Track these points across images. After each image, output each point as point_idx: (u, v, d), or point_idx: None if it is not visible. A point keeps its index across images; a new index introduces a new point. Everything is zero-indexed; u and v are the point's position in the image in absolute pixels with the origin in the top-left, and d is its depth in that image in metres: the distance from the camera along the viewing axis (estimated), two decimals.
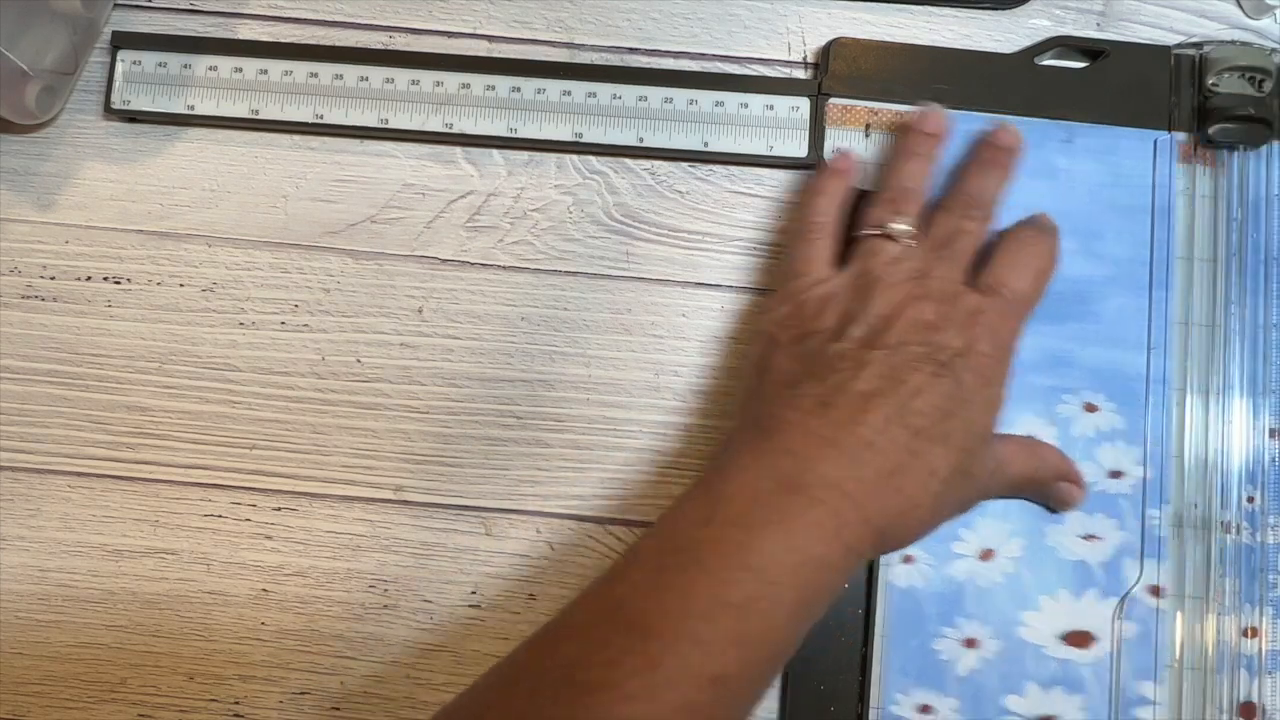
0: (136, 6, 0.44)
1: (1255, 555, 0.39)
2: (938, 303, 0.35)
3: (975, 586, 0.38)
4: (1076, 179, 0.41)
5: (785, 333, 0.36)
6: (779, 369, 0.35)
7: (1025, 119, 0.41)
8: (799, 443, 0.32)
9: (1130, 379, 0.39)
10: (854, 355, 0.34)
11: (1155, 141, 0.40)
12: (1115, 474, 0.39)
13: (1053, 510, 0.39)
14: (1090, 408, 0.39)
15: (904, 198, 0.38)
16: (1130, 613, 0.38)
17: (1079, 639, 0.38)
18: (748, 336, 0.41)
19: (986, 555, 0.38)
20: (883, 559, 0.38)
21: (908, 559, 0.39)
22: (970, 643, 0.38)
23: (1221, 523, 0.39)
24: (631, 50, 0.43)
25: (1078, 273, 0.40)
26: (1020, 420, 0.39)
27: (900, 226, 0.37)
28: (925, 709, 0.37)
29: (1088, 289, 0.40)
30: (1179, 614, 0.39)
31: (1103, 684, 0.38)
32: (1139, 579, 0.39)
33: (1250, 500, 0.39)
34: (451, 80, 0.42)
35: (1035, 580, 0.38)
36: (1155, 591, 0.38)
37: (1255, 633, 0.38)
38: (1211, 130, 0.40)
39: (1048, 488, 0.38)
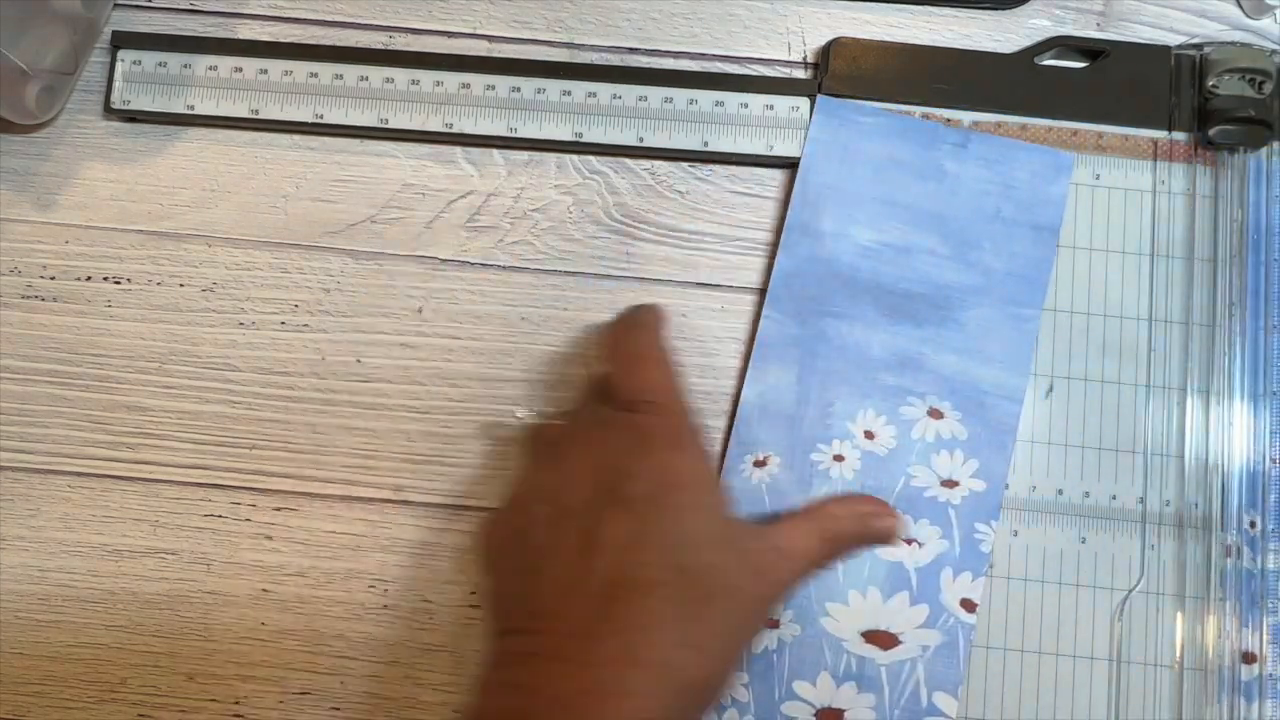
0: (136, 6, 0.44)
1: (1255, 581, 0.39)
2: (599, 444, 0.34)
3: None
4: (963, 184, 0.40)
5: (502, 558, 0.35)
6: (499, 584, 0.34)
7: (931, 124, 0.41)
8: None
9: (982, 391, 0.39)
10: (549, 538, 0.33)
11: (1058, 160, 0.40)
12: (949, 483, 0.38)
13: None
14: (935, 413, 0.39)
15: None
16: (941, 623, 0.37)
17: (881, 639, 0.37)
18: None
19: None
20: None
21: None
22: (771, 623, 0.37)
23: (1223, 545, 0.39)
24: (631, 50, 0.43)
25: (947, 279, 0.39)
26: (861, 415, 0.39)
27: (545, 407, 0.36)
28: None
29: (953, 296, 0.39)
30: (1179, 614, 0.39)
31: (896, 687, 0.37)
32: (1140, 580, 0.39)
33: (1252, 525, 0.39)
34: (451, 80, 0.42)
35: (848, 575, 0.38)
36: (968, 606, 0.37)
37: (1254, 658, 0.38)
38: (1212, 132, 0.40)
39: (859, 545, 0.37)
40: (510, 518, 0.34)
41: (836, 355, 0.39)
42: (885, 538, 0.37)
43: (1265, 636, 0.38)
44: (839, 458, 0.39)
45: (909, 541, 0.38)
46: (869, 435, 0.39)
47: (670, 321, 0.38)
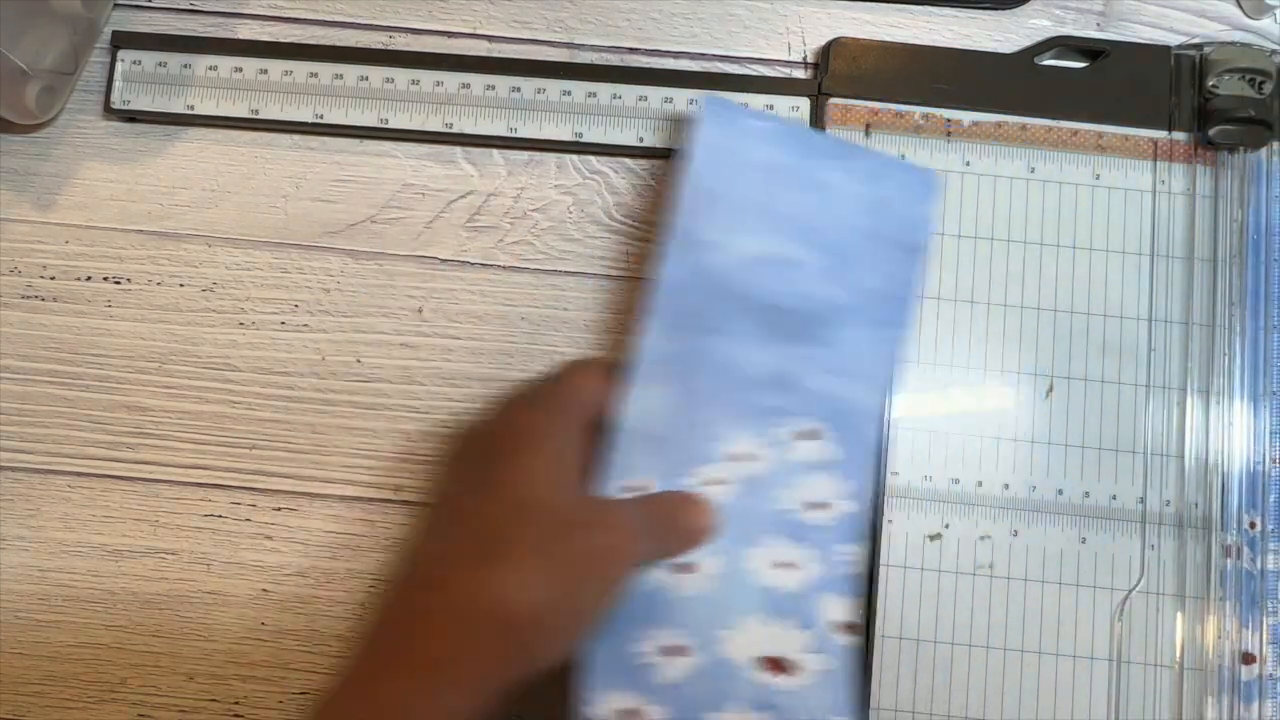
0: (136, 6, 0.44)
1: (1255, 582, 0.39)
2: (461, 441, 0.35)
3: (678, 596, 0.35)
4: (843, 199, 0.38)
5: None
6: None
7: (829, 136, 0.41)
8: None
9: (853, 412, 0.37)
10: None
11: (928, 180, 0.39)
12: (820, 505, 0.36)
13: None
14: (810, 434, 0.37)
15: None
16: (825, 646, 0.35)
17: (774, 665, 0.35)
18: None
19: (684, 568, 0.36)
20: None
21: None
22: (675, 650, 0.35)
23: (1223, 545, 0.39)
24: (631, 50, 0.43)
25: (824, 294, 0.37)
26: (736, 437, 0.36)
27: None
28: (630, 713, 0.34)
29: (829, 313, 0.37)
30: (1179, 614, 0.39)
31: (798, 714, 0.35)
32: (1140, 580, 0.39)
33: (1252, 525, 0.39)
34: (451, 80, 0.42)
35: (733, 599, 0.36)
36: (848, 628, 0.36)
37: (1252, 659, 0.38)
38: (1212, 132, 0.40)
39: (674, 542, 0.36)
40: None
41: (714, 374, 0.37)
42: (692, 540, 0.36)
43: (1265, 637, 0.38)
44: (717, 481, 0.36)
45: (785, 565, 0.36)
46: (745, 458, 0.36)
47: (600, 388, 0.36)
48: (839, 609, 0.36)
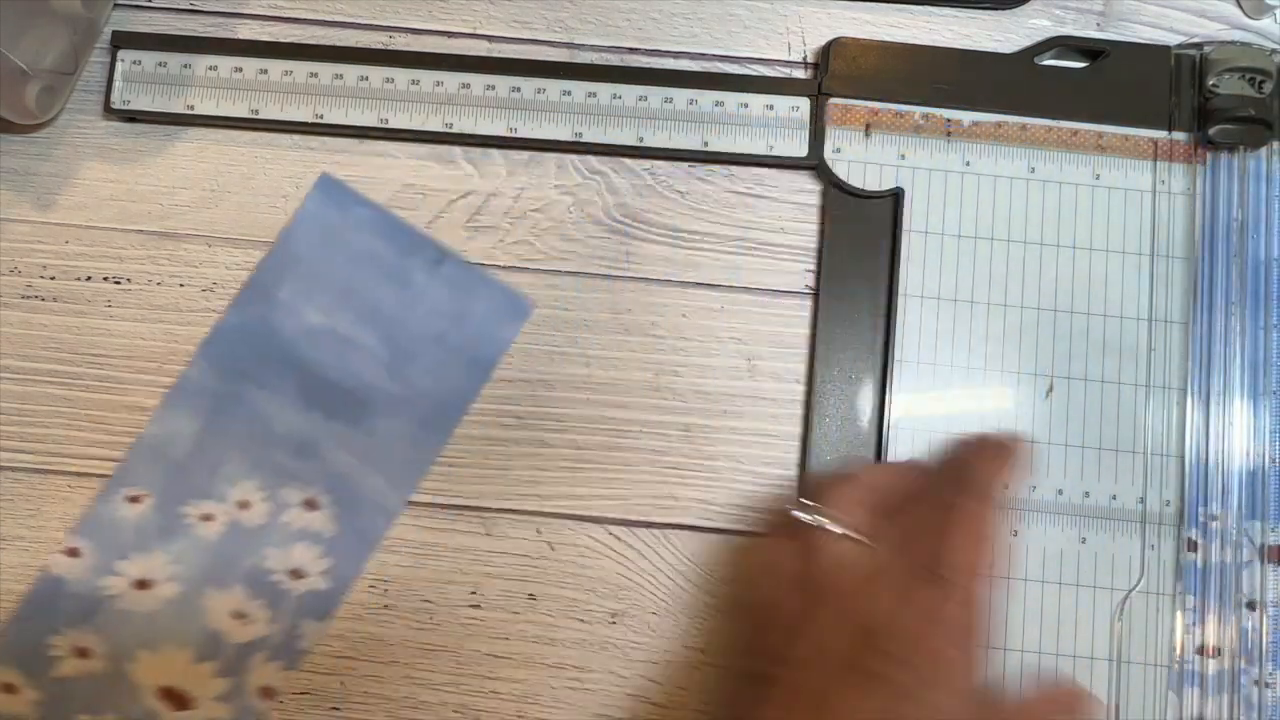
0: (136, 6, 0.44)
1: (1255, 580, 0.39)
2: (887, 607, 0.31)
3: (118, 605, 0.38)
4: (424, 299, 0.41)
5: (742, 662, 0.34)
6: (740, 699, 0.33)
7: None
8: None
9: (362, 498, 0.39)
10: (787, 682, 0.31)
11: (517, 305, 0.40)
12: (298, 573, 0.39)
13: None
14: (312, 504, 0.39)
15: (851, 487, 0.34)
16: (236, 702, 0.38)
17: (174, 697, 0.38)
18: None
19: (143, 585, 0.38)
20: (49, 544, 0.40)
21: (74, 551, 0.39)
22: (81, 652, 0.38)
23: (1220, 535, 0.39)
24: (631, 50, 0.43)
25: (376, 383, 0.40)
26: (244, 483, 0.39)
27: (852, 530, 0.33)
28: (8, 688, 0.37)
29: (375, 401, 0.40)
30: (1179, 614, 0.39)
31: None
32: (1140, 580, 0.39)
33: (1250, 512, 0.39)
34: (451, 80, 0.42)
35: (173, 628, 0.38)
36: (267, 693, 0.38)
37: (1253, 659, 0.38)
38: (1212, 131, 0.40)
39: None
40: (773, 576, 0.33)
41: (244, 421, 0.40)
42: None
43: (1264, 636, 0.38)
44: (208, 517, 0.39)
45: (241, 617, 0.38)
46: (243, 505, 0.39)
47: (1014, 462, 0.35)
48: (271, 673, 0.38)
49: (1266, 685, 0.38)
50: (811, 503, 0.34)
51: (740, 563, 0.36)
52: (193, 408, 0.40)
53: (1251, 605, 0.38)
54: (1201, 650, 0.38)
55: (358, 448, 0.39)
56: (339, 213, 0.41)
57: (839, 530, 0.33)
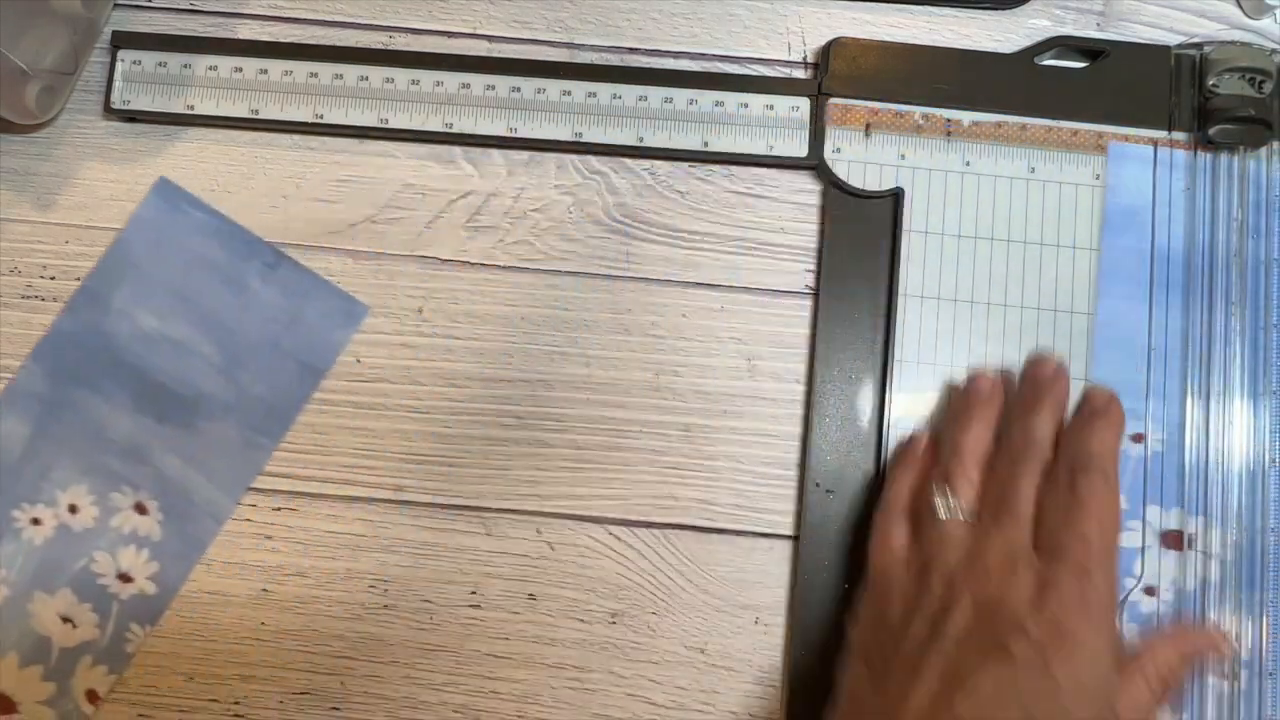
0: (136, 6, 0.44)
1: (1255, 580, 0.39)
2: (999, 580, 0.32)
3: None
4: (258, 303, 0.41)
5: (859, 634, 0.35)
6: (860, 676, 0.34)
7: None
8: None
9: (191, 502, 0.40)
10: (911, 659, 0.32)
11: (351, 308, 0.40)
12: (125, 577, 0.39)
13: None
14: (141, 508, 0.40)
15: (958, 464, 0.35)
16: (60, 706, 0.38)
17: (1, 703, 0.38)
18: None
19: None
20: None
21: None
22: None
23: (1221, 533, 0.39)
24: (631, 50, 0.43)
25: (207, 388, 0.40)
26: (73, 488, 0.40)
27: (952, 502, 0.35)
28: None
29: (205, 405, 0.40)
30: (1179, 613, 0.39)
31: None
32: (1140, 580, 0.39)
33: (1248, 518, 0.39)
34: (451, 80, 0.42)
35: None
36: (92, 697, 0.38)
37: (1252, 658, 0.38)
38: (1212, 131, 0.40)
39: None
40: (893, 561, 0.35)
41: (74, 425, 0.40)
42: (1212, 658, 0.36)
43: (1265, 636, 0.38)
44: (36, 521, 0.40)
45: (69, 621, 0.39)
46: (72, 509, 0.40)
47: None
48: (99, 680, 0.38)
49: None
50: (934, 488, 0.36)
51: (869, 548, 0.37)
52: (22, 412, 0.40)
53: (1150, 591, 0.38)
54: (1244, 658, 0.38)
55: (188, 452, 0.40)
56: (174, 217, 0.41)
57: (951, 512, 0.35)
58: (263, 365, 0.40)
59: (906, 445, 0.38)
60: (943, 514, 0.35)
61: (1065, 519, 0.33)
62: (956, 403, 0.38)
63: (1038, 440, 0.35)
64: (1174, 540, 0.39)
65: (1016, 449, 0.35)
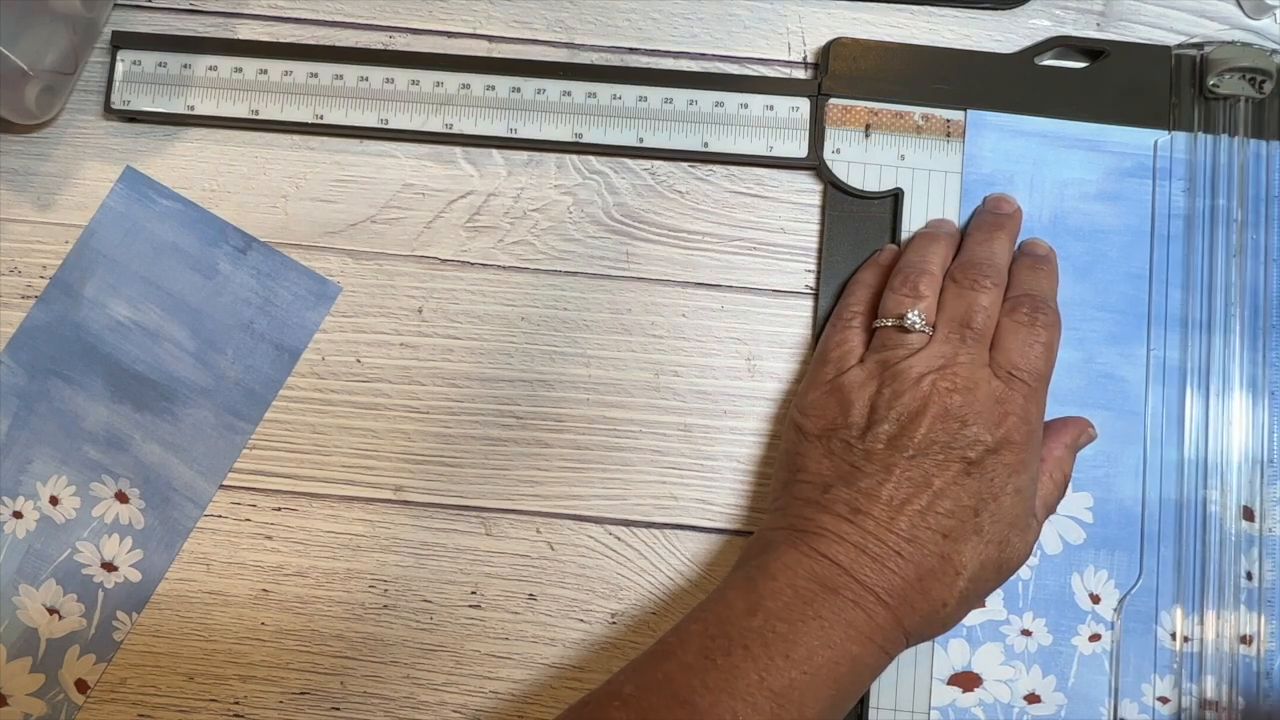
0: (136, 6, 0.44)
1: (1254, 580, 0.39)
2: (963, 394, 0.35)
3: None
4: (229, 287, 0.41)
5: (814, 424, 0.36)
6: (811, 469, 0.36)
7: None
8: (834, 548, 0.33)
9: (172, 488, 0.40)
10: (882, 457, 0.34)
11: (324, 288, 0.41)
12: (109, 566, 0.40)
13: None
14: (122, 497, 0.40)
15: (918, 281, 0.37)
16: (50, 696, 0.39)
17: None
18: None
19: None
20: None
21: None
22: None
23: (1221, 526, 0.39)
24: (631, 50, 0.43)
25: (182, 374, 0.41)
26: (54, 479, 0.40)
27: (914, 316, 0.36)
28: None
29: (181, 390, 0.40)
30: (1179, 614, 0.39)
31: None
32: (1139, 581, 0.39)
33: (1251, 521, 0.39)
34: (451, 80, 0.42)
35: None
36: (81, 686, 0.39)
37: (1250, 640, 0.38)
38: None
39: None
40: (848, 390, 0.36)
41: (52, 417, 0.40)
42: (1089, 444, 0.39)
43: (1264, 637, 0.38)
44: (18, 514, 0.40)
45: (55, 612, 0.39)
46: (54, 501, 0.40)
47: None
48: (85, 666, 0.39)
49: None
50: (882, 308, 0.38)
51: (822, 348, 0.38)
52: (0, 407, 0.41)
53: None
54: (1243, 639, 0.39)
55: (167, 438, 0.40)
56: (142, 206, 0.42)
57: (893, 323, 0.37)
58: (237, 349, 0.41)
59: (867, 261, 0.40)
60: (907, 321, 0.36)
61: (1024, 347, 0.36)
62: (917, 234, 0.40)
63: (998, 262, 0.38)
64: None
65: (979, 264, 0.37)
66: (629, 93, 0.42)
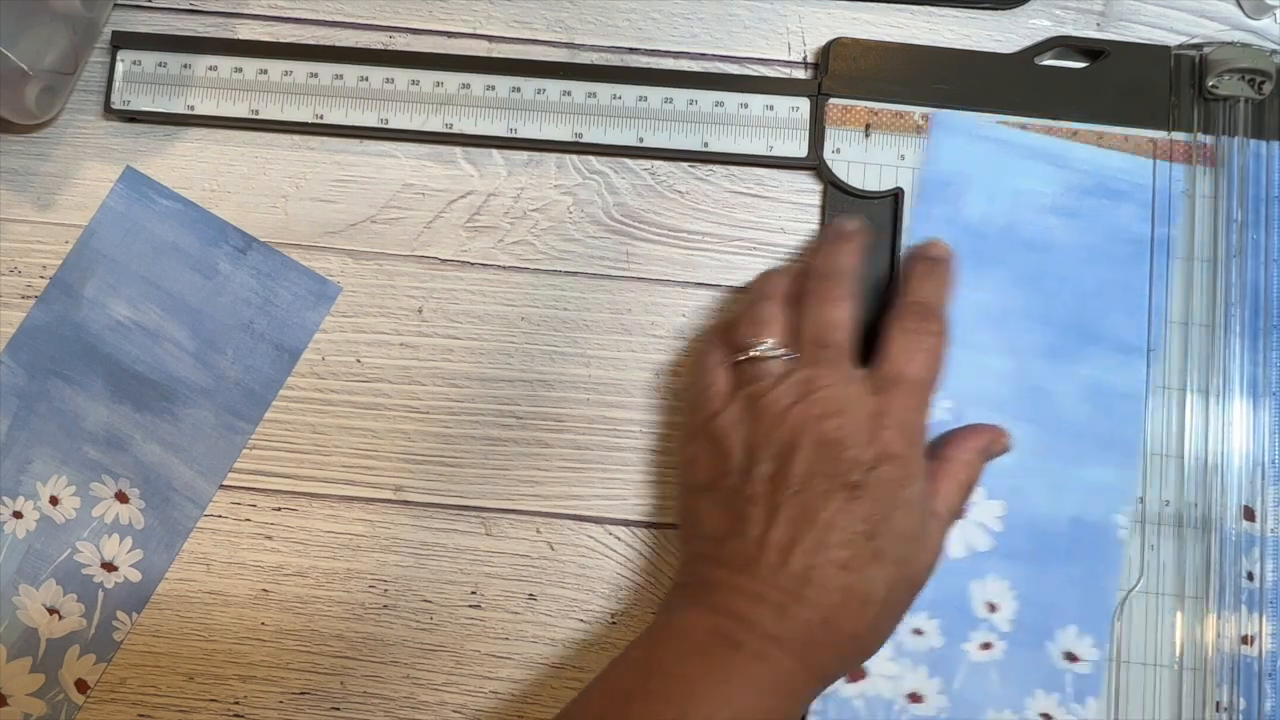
0: (136, 6, 0.44)
1: (1255, 580, 0.39)
2: (835, 417, 0.34)
3: None
4: (229, 287, 0.41)
5: (698, 476, 0.36)
6: (705, 523, 0.35)
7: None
8: (731, 601, 0.33)
9: (172, 488, 0.40)
10: (765, 499, 0.33)
11: (323, 288, 0.41)
12: (109, 566, 0.40)
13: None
14: (122, 497, 0.40)
15: (756, 309, 0.37)
16: (50, 696, 0.39)
17: None
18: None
19: None
20: None
21: None
22: None
23: (1221, 527, 0.39)
24: (631, 50, 0.43)
25: (181, 373, 0.41)
26: (54, 479, 0.40)
27: (765, 346, 0.36)
28: None
29: (181, 390, 0.40)
30: (1179, 614, 0.39)
31: None
32: (1140, 580, 0.39)
33: (1251, 522, 0.39)
34: (451, 80, 0.42)
35: None
36: (81, 686, 0.39)
37: (1252, 640, 0.38)
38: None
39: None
40: (716, 398, 0.36)
41: (52, 417, 0.40)
42: (1002, 453, 0.38)
43: (1265, 637, 0.38)
44: (18, 515, 0.40)
45: (55, 612, 0.39)
46: (53, 501, 0.40)
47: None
48: (85, 667, 0.39)
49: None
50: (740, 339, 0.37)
51: (685, 390, 0.38)
52: (1, 408, 0.41)
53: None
54: (1244, 639, 0.38)
55: (167, 438, 0.40)
56: (142, 206, 0.42)
57: (747, 357, 0.36)
58: (237, 349, 0.41)
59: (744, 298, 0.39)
60: (759, 351, 0.36)
61: (907, 354, 0.35)
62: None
63: (841, 269, 0.37)
64: None
65: (824, 278, 0.37)
66: (629, 93, 0.42)
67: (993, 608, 0.38)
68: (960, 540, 0.38)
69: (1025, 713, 0.38)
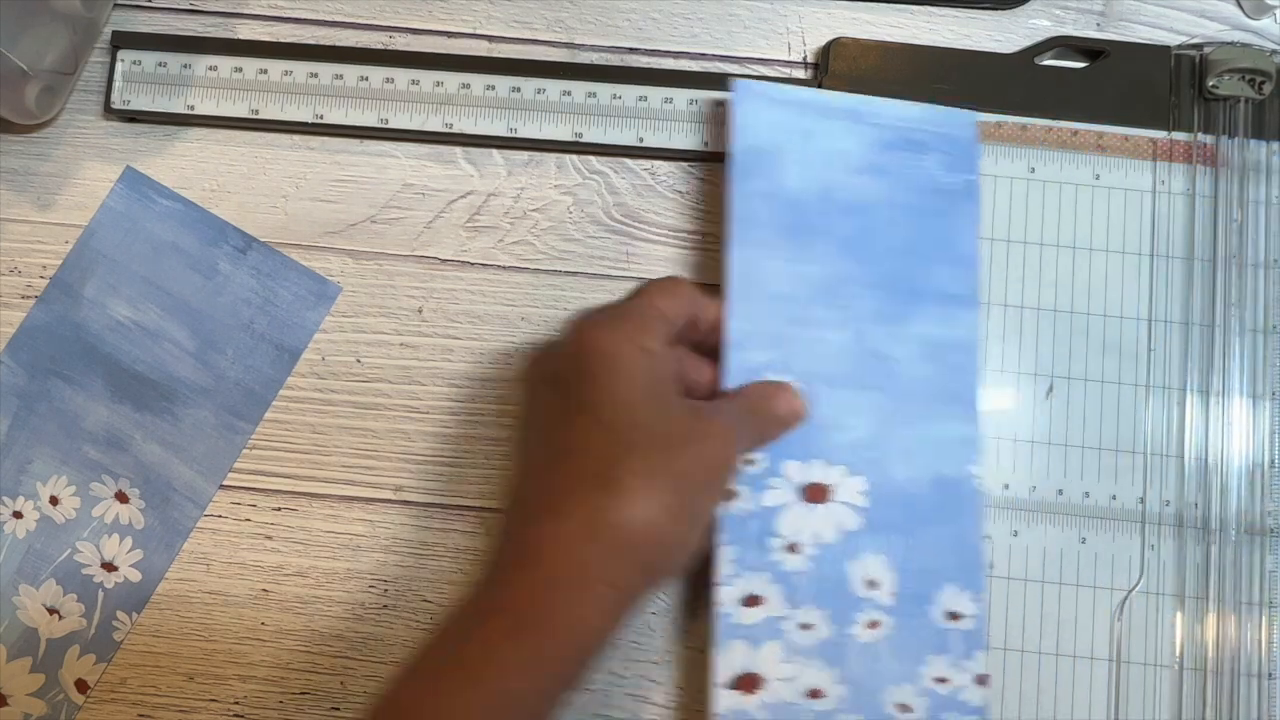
0: (136, 6, 0.44)
1: (1255, 580, 0.39)
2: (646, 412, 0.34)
3: None
4: (229, 287, 0.41)
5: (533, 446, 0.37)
6: (530, 469, 0.36)
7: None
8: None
9: (172, 489, 0.40)
10: (570, 464, 0.34)
11: (323, 288, 0.40)
12: (109, 566, 0.40)
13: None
14: (122, 497, 0.40)
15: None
16: (50, 696, 0.39)
17: None
18: None
19: None
20: None
21: None
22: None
23: (1221, 527, 0.39)
24: (631, 50, 0.43)
25: (181, 373, 0.41)
26: (54, 479, 0.40)
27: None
28: None
29: (181, 390, 0.41)
30: (1179, 614, 0.39)
31: None
32: (1140, 580, 0.39)
33: (1251, 524, 0.39)
34: (451, 80, 0.42)
35: None
36: (81, 686, 0.39)
37: (1251, 640, 0.38)
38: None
39: (771, 428, 0.37)
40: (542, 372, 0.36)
41: (52, 417, 0.41)
42: (791, 424, 0.37)
43: (1265, 637, 0.38)
44: (18, 515, 0.40)
45: (54, 612, 0.39)
46: (54, 501, 0.40)
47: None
48: (87, 669, 0.39)
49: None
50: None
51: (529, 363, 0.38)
52: (2, 408, 0.41)
53: (793, 548, 0.37)
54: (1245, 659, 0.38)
55: (167, 438, 0.40)
56: (142, 206, 0.42)
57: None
58: (237, 349, 0.41)
59: None
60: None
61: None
62: None
63: (653, 306, 0.36)
64: (816, 494, 0.38)
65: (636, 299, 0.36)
66: (629, 92, 0.42)
67: (873, 584, 0.37)
68: (830, 523, 0.37)
69: (922, 683, 0.37)
